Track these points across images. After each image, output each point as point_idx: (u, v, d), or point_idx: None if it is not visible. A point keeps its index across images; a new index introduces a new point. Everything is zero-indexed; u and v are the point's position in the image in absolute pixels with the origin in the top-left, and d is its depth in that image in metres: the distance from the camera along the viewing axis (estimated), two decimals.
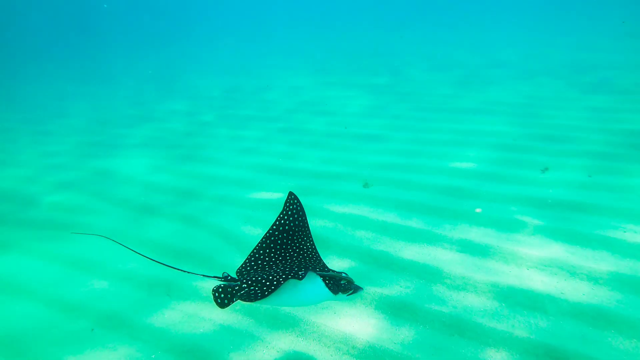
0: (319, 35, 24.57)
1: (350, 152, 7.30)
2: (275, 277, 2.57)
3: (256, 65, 17.11)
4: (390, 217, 5.18)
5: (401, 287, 4.10)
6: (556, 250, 4.31)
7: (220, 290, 2.57)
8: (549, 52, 13.55)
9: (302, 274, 2.54)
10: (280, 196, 5.90)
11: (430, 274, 4.22)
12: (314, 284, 2.47)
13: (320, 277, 2.56)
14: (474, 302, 3.83)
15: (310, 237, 3.07)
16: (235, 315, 3.95)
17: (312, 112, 9.75)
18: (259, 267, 2.81)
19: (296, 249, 2.97)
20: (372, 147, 7.39)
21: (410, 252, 4.56)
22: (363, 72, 13.42)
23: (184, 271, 2.72)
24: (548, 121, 7.59)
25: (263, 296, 2.44)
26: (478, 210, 4.83)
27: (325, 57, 17.30)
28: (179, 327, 3.89)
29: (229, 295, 2.53)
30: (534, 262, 4.20)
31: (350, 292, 2.71)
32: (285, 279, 2.47)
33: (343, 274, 2.74)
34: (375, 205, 5.47)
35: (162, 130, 9.60)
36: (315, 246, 3.05)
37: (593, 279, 3.91)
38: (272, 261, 2.86)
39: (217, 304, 2.52)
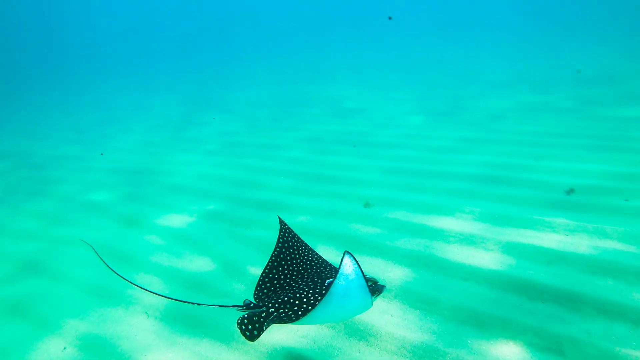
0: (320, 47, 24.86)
1: (354, 170, 6.94)
2: (303, 293, 2.44)
3: (282, 78, 17.40)
4: (391, 237, 4.74)
5: (392, 316, 3.61)
6: None
7: (245, 321, 2.34)
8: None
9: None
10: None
11: (427, 303, 3.70)
12: (357, 291, 2.17)
13: None
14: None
15: (312, 249, 3.00)
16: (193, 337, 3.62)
17: (325, 128, 9.55)
18: (278, 287, 2.67)
19: (307, 260, 2.88)
20: (377, 164, 7.00)
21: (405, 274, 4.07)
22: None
23: (198, 304, 2.53)
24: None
25: (304, 314, 2.26)
26: None
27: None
28: (146, 347, 3.60)
29: (257, 325, 2.31)
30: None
31: (377, 293, 2.51)
32: (325, 291, 2.28)
33: (367, 276, 2.49)
34: (375, 225, 5.05)
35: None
36: (322, 256, 2.95)
37: None
38: (288, 278, 2.75)
39: (247, 337, 2.27)
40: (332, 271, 2.80)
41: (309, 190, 6.40)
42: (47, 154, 10.24)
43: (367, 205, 5.52)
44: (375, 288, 2.50)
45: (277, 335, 3.51)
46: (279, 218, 3.06)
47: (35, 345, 3.79)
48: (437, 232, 4.77)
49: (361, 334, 3.44)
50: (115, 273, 2.97)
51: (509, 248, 4.32)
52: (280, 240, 2.94)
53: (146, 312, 4.03)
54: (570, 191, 5.15)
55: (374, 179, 6.47)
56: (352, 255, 2.08)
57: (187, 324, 3.82)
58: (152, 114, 13.88)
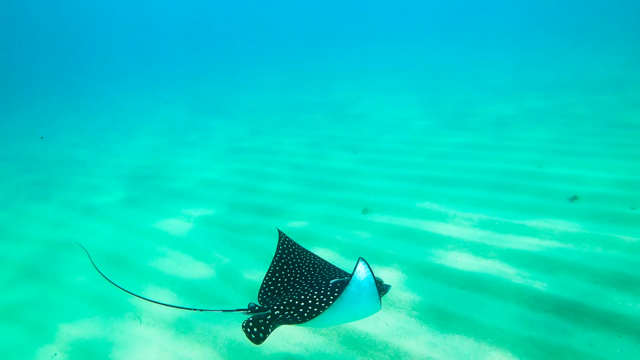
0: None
1: (353, 176, 6.87)
2: (308, 295, 2.45)
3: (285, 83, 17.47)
4: (386, 245, 4.65)
5: (387, 324, 3.51)
6: None
7: (251, 324, 2.34)
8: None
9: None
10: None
11: (423, 312, 3.60)
12: (369, 298, 2.17)
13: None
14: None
15: (313, 253, 3.01)
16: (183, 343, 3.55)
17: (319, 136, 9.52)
18: (282, 290, 2.68)
19: (309, 263, 2.89)
20: (377, 170, 6.92)
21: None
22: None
23: (201, 310, 2.53)
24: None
25: (312, 317, 2.26)
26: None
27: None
28: (137, 353, 3.54)
29: (262, 328, 2.32)
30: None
31: (383, 293, 2.52)
32: (339, 293, 2.30)
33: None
34: (372, 233, 4.97)
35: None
36: (323, 259, 2.97)
37: None
38: (292, 280, 2.75)
39: (252, 339, 2.28)
40: (336, 272, 2.80)
41: (308, 195, 6.34)
42: (50, 158, 10.31)
43: (365, 211, 5.44)
44: (380, 288, 2.51)
45: (269, 342, 3.43)
46: (278, 230, 3.08)
47: (26, 351, 3.75)
48: (436, 239, 4.67)
49: (355, 343, 3.35)
50: (109, 280, 2.91)
51: (509, 255, 4.21)
52: (280, 248, 2.96)
53: (139, 318, 3.98)
54: (574, 198, 5.03)
55: (374, 185, 6.39)
56: (365, 262, 2.08)
57: (179, 331, 3.76)
58: (155, 118, 13.95)
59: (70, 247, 5.48)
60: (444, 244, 4.56)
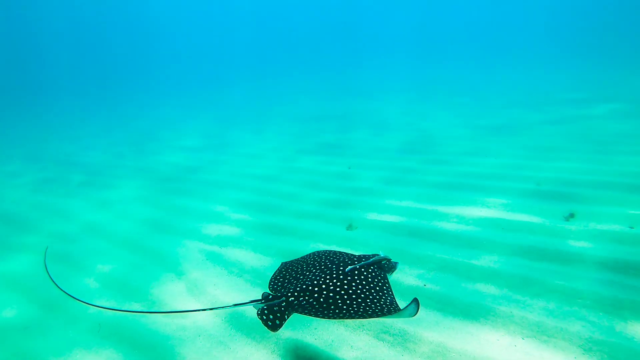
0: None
1: (342, 192, 6.70)
2: (320, 280, 2.47)
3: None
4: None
5: (351, 347, 3.33)
6: None
7: (266, 312, 2.36)
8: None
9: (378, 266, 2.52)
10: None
11: (395, 336, 3.40)
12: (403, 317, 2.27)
13: (366, 265, 2.53)
14: None
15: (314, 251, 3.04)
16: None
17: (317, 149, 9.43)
18: (293, 279, 2.69)
19: (315, 255, 2.90)
20: (378, 187, 6.76)
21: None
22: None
23: (211, 309, 2.60)
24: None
25: (333, 316, 2.28)
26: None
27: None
28: None
29: (278, 315, 2.34)
30: None
31: (393, 270, 2.61)
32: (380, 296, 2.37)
33: (381, 254, 2.63)
34: (355, 249, 4.80)
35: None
36: (327, 249, 3.07)
37: None
38: (300, 269, 2.77)
39: (269, 327, 2.30)
40: (343, 256, 2.80)
41: (302, 210, 6.24)
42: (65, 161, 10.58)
43: (349, 227, 5.29)
44: (390, 265, 2.60)
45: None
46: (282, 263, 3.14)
47: None
48: (422, 255, 4.47)
49: None
50: (60, 288, 2.90)
51: (494, 275, 3.96)
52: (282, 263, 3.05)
53: (99, 325, 3.92)
54: (570, 216, 4.73)
55: (362, 201, 6.24)
56: (417, 305, 2.15)
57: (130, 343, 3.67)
58: (182, 127, 14.11)
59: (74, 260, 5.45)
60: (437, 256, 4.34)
